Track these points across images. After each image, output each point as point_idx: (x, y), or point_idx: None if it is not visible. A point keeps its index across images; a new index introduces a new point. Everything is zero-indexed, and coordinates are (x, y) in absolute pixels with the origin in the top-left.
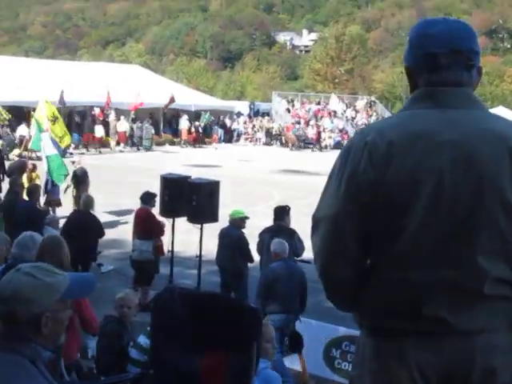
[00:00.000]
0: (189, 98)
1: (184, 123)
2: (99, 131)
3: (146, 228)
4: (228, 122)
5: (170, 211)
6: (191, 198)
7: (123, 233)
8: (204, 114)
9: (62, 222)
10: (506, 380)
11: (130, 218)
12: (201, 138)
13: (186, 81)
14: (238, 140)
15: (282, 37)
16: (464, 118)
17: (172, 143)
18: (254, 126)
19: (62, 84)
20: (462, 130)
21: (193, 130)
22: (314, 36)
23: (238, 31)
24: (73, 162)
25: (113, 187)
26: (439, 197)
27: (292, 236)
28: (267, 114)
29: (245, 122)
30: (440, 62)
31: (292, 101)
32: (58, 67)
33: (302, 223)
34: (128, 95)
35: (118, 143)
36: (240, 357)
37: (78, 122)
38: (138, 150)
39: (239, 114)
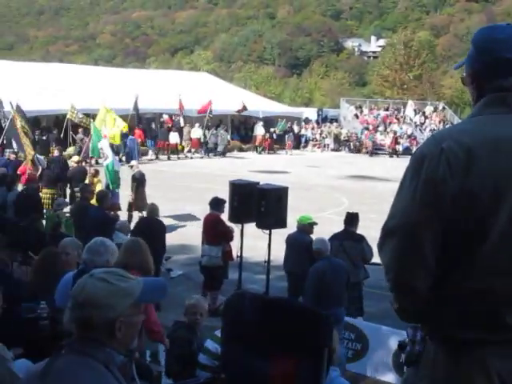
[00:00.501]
0: (257, 104)
1: (260, 130)
2: (174, 138)
3: (215, 234)
4: (296, 128)
5: (238, 217)
6: (260, 203)
7: (192, 238)
8: (280, 121)
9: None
10: None
11: (199, 224)
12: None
13: (254, 88)
14: (305, 146)
15: (350, 43)
16: None
17: (240, 149)
18: (321, 132)
19: (132, 91)
20: None
21: (267, 136)
22: (382, 42)
23: (305, 38)
24: (131, 167)
25: (182, 193)
26: None
27: (361, 241)
28: (335, 120)
29: (313, 128)
30: (511, 67)
31: (360, 107)
32: (128, 75)
33: (368, 229)
34: (197, 102)
35: (190, 150)
36: (311, 363)
37: (154, 128)
38: (209, 156)
39: (307, 120)
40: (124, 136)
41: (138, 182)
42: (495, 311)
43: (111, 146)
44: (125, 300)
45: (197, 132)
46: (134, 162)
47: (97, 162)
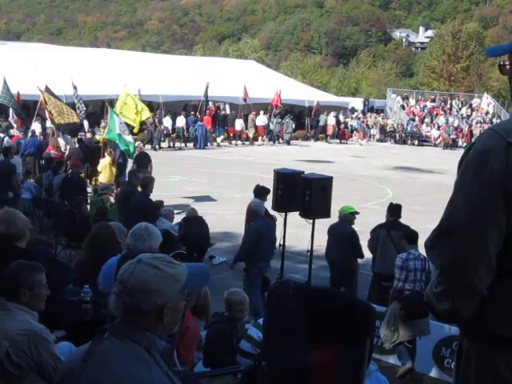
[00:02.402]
0: (303, 93)
1: (331, 119)
2: (239, 124)
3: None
4: (342, 117)
5: (282, 206)
6: (304, 193)
7: (235, 226)
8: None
9: None
10: None
11: (243, 211)
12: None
13: (301, 76)
14: (351, 136)
15: (398, 33)
16: None
17: (306, 138)
18: (367, 122)
19: (178, 78)
20: None
21: (341, 126)
22: (430, 33)
23: (353, 27)
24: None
25: (228, 179)
26: None
27: None
28: (381, 110)
29: (359, 118)
30: None
31: (407, 98)
32: (174, 61)
33: (412, 221)
34: (243, 90)
35: (255, 138)
36: (353, 353)
37: (224, 114)
38: (274, 143)
39: (353, 110)
40: (193, 122)
41: (141, 162)
42: None
43: (127, 125)
44: (173, 286)
45: (261, 119)
46: (137, 143)
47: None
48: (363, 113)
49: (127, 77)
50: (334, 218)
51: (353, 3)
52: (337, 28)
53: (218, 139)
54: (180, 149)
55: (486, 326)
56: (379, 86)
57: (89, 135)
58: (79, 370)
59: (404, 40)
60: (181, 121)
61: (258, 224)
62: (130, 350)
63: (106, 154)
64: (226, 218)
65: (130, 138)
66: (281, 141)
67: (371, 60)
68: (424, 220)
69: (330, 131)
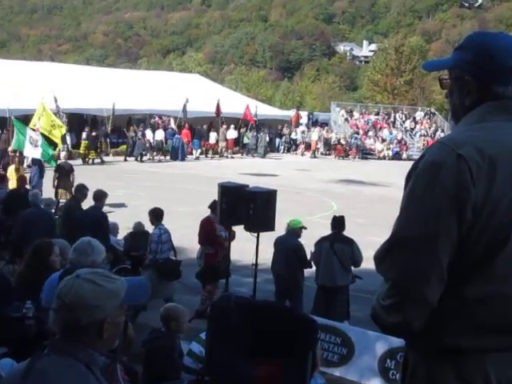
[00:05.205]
0: (244, 106)
1: (314, 135)
2: (213, 138)
3: (204, 236)
4: (286, 131)
5: (227, 219)
6: (248, 206)
7: (179, 239)
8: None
9: None
10: None
11: (189, 226)
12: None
13: (245, 90)
14: (295, 150)
15: (342, 47)
16: None
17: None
18: (312, 135)
19: (122, 92)
20: None
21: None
22: (374, 47)
23: (297, 41)
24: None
25: (177, 193)
26: None
27: (351, 245)
28: (326, 123)
29: (303, 132)
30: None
31: (351, 111)
32: (118, 75)
33: (356, 233)
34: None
35: (226, 149)
36: (296, 365)
37: (199, 129)
38: (248, 156)
39: (297, 124)
40: (170, 135)
41: (64, 171)
42: (505, 316)
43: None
44: (112, 301)
45: (232, 133)
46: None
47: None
48: (307, 126)
49: (68, 90)
50: (279, 231)
51: (297, 17)
52: (281, 42)
53: (195, 152)
54: (160, 161)
55: (436, 338)
56: (323, 99)
57: None
58: None
59: (348, 54)
60: (159, 134)
61: None
62: (69, 366)
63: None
64: (171, 232)
65: (37, 152)
66: (255, 154)
67: (315, 73)
68: (367, 233)
69: (313, 146)
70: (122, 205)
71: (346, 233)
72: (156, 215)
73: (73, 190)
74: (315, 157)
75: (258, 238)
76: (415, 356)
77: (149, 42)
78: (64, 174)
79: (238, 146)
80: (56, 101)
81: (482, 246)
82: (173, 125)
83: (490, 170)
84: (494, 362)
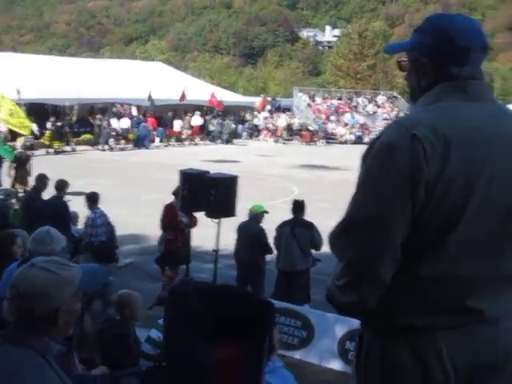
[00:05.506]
0: (208, 93)
1: (281, 121)
2: (177, 126)
3: (166, 221)
4: (249, 117)
5: (189, 206)
6: (209, 192)
7: (140, 227)
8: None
9: None
10: None
11: (151, 213)
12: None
13: (209, 77)
14: (258, 135)
15: (306, 33)
16: (496, 110)
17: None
18: (274, 121)
19: (84, 81)
20: (502, 122)
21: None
22: (337, 32)
23: (261, 28)
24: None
25: (137, 182)
26: (491, 190)
27: (311, 229)
28: (288, 109)
29: (265, 118)
30: (471, 56)
31: (313, 96)
32: (80, 65)
33: (318, 217)
34: (151, 91)
35: (191, 137)
36: (254, 350)
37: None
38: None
39: (258, 110)
40: (136, 123)
41: (21, 161)
42: (461, 294)
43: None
44: (67, 289)
45: (197, 120)
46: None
47: None
48: (270, 112)
49: (31, 81)
50: (241, 217)
51: (261, 4)
52: (245, 28)
53: (158, 140)
54: (122, 150)
55: (389, 317)
56: (286, 85)
57: None
58: None
59: (311, 39)
60: (126, 122)
61: None
62: (24, 356)
63: None
64: (132, 220)
65: None
66: (219, 141)
67: (278, 60)
68: (329, 217)
69: (280, 132)
70: (83, 194)
71: (308, 217)
72: (92, 199)
73: (29, 179)
74: (282, 142)
75: (219, 223)
76: (370, 335)
77: (112, 30)
78: (21, 163)
79: (204, 133)
80: (18, 93)
81: (435, 225)
82: (135, 113)
83: (444, 149)
84: (446, 339)
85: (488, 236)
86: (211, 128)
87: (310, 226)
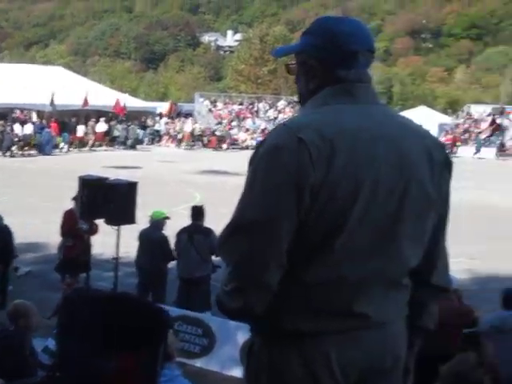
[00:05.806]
0: (111, 99)
1: (187, 126)
2: (81, 131)
3: (66, 228)
4: (150, 122)
5: (88, 213)
6: (108, 199)
7: (37, 235)
8: None
9: None
10: (406, 363)
11: (51, 220)
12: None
13: (110, 82)
14: (159, 141)
15: (207, 38)
16: (381, 113)
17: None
18: (175, 127)
19: None
20: (387, 125)
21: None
22: (238, 37)
23: (162, 32)
24: None
25: (34, 189)
26: (376, 192)
27: (209, 235)
28: (190, 114)
29: (167, 123)
30: (358, 59)
31: (215, 101)
32: None
33: (219, 223)
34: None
35: (93, 143)
36: (148, 358)
37: (68, 122)
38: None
39: (161, 115)
40: (39, 129)
41: None
42: (344, 300)
43: None
44: None
45: (102, 126)
46: None
47: None
48: (171, 117)
49: None
50: (142, 224)
51: (162, 8)
52: (146, 33)
53: (62, 145)
54: (23, 155)
55: (276, 322)
56: (188, 90)
57: None
58: None
59: (213, 44)
60: (28, 128)
61: None
62: None
63: None
64: (28, 228)
65: None
66: (122, 147)
67: (180, 64)
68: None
69: (187, 137)
70: None
71: (209, 223)
72: None
73: None
74: (184, 148)
75: (118, 231)
76: (259, 342)
77: (11, 34)
78: None
79: (108, 138)
80: None
81: (320, 230)
82: (35, 118)
83: (330, 153)
84: (335, 344)
85: (375, 239)
86: (116, 133)
87: (209, 232)
